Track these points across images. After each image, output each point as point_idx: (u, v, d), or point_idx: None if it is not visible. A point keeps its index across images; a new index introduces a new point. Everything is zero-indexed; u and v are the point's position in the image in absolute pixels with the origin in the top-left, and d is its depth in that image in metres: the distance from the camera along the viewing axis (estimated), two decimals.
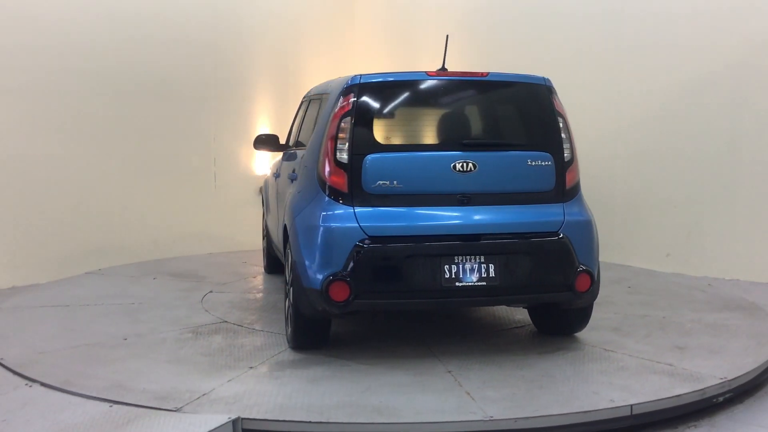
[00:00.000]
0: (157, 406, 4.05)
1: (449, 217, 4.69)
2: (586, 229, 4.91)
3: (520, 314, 5.92)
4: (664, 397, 4.25)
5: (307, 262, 4.67)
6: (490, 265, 4.63)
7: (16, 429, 3.77)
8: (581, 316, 5.29)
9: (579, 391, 4.32)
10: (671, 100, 8.19)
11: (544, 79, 5.05)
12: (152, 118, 8.47)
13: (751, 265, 7.67)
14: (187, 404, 4.08)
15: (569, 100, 8.98)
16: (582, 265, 4.79)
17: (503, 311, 6.10)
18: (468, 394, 4.26)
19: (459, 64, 9.84)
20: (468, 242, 4.64)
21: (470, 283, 4.60)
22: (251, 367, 4.75)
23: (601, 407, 4.10)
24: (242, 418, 3.83)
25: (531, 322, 5.67)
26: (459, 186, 4.71)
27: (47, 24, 7.62)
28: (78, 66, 7.79)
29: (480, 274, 4.61)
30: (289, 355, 5.03)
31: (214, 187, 8.66)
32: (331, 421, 3.86)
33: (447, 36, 5.26)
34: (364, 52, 10.70)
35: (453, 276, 4.58)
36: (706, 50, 7.87)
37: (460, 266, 4.60)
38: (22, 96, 7.40)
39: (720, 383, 4.47)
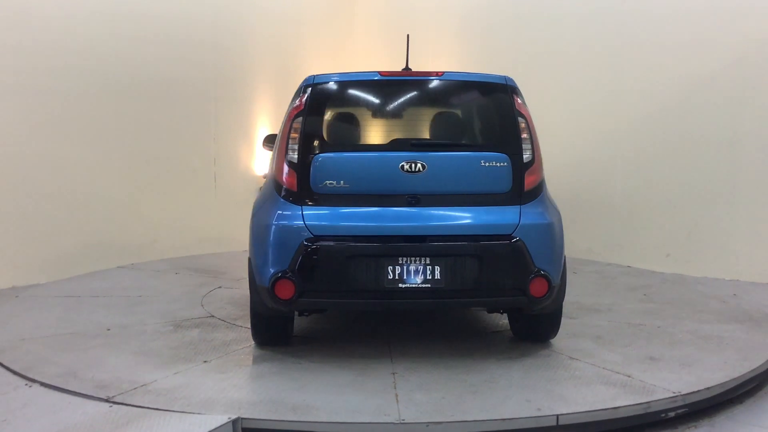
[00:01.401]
0: (93, 395, 4.23)
1: (395, 217, 4.64)
2: (544, 232, 4.74)
3: (504, 319, 5.80)
4: (597, 408, 4.08)
5: (258, 260, 4.74)
6: (436, 267, 4.55)
7: (16, 429, 3.79)
8: (550, 322, 5.13)
9: (512, 398, 4.19)
10: (671, 100, 8.21)
11: (504, 78, 4.92)
12: (152, 118, 8.50)
13: (751, 265, 7.67)
14: (120, 394, 4.22)
15: (569, 100, 9.13)
16: (538, 269, 4.64)
17: (490, 316, 5.99)
18: (397, 396, 4.22)
19: (459, 64, 9.94)
20: (413, 243, 4.58)
21: (414, 285, 4.54)
22: (205, 362, 4.86)
23: (523, 415, 3.98)
24: (242, 418, 3.86)
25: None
26: (407, 187, 4.65)
27: (47, 24, 7.57)
28: (78, 66, 7.78)
29: (425, 276, 4.55)
30: (249, 351, 5.12)
31: (214, 187, 8.76)
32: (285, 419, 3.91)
33: (408, 36, 5.21)
34: (365, 51, 10.74)
35: (396, 277, 4.54)
36: (706, 50, 7.90)
37: (405, 267, 4.55)
38: (22, 96, 7.37)
39: (671, 398, 4.25)
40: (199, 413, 3.89)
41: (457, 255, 4.59)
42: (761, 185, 7.64)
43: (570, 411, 4.04)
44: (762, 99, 7.59)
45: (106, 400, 4.16)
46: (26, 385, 4.39)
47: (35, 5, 7.47)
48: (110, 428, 3.71)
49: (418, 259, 4.56)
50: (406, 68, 5.13)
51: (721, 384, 4.48)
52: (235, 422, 3.81)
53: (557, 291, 4.83)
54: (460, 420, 3.91)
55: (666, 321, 5.89)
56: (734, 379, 4.57)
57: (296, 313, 5.38)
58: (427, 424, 3.88)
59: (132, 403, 4.10)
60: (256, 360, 4.92)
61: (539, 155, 4.86)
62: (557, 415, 3.99)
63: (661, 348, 5.15)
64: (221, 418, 3.80)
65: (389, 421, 3.87)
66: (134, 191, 8.44)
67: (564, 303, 6.32)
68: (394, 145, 4.81)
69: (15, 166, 7.38)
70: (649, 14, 8.33)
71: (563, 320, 5.81)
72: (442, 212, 4.67)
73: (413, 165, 4.63)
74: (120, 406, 4.01)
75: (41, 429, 3.74)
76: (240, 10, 9.53)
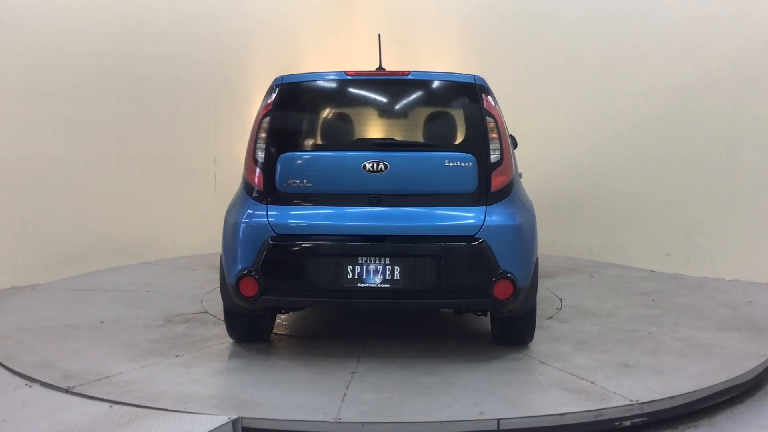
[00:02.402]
0: (55, 384, 4.39)
1: (356, 217, 4.65)
2: (511, 233, 4.66)
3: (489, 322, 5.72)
4: (542, 414, 3.99)
5: (226, 258, 4.82)
6: (396, 267, 4.53)
7: (16, 429, 3.79)
8: (523, 325, 5.05)
9: (460, 400, 4.14)
10: (671, 101, 8.21)
11: (473, 77, 4.86)
12: (152, 118, 8.53)
13: (751, 265, 7.65)
14: (81, 384, 4.36)
15: (569, 101, 9.06)
16: (503, 271, 4.56)
17: (477, 318, 5.91)
18: (345, 395, 4.23)
19: (459, 64, 9.86)
20: (372, 243, 4.58)
21: (373, 285, 4.54)
22: (177, 356, 4.97)
23: (464, 418, 3.93)
24: (242, 417, 3.88)
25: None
26: (369, 186, 4.65)
27: (47, 24, 7.56)
28: (78, 66, 7.79)
29: (384, 276, 4.53)
30: (224, 347, 5.20)
31: (214, 187, 8.83)
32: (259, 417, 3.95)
33: (379, 35, 5.20)
34: (365, 51, 10.58)
35: (355, 276, 4.54)
36: (705, 51, 7.91)
37: (364, 267, 4.55)
38: (23, 96, 7.37)
39: (627, 406, 4.12)
40: (199, 413, 3.90)
41: (416, 255, 4.56)
42: (761, 185, 7.62)
43: (512, 416, 3.96)
44: (762, 99, 7.55)
45: (66, 390, 4.31)
46: (26, 385, 4.42)
47: (35, 5, 7.46)
48: (110, 428, 3.73)
49: (377, 259, 4.55)
50: (380, 68, 5.11)
51: (688, 393, 4.31)
52: (235, 422, 3.82)
53: (526, 294, 4.73)
54: (396, 421, 3.89)
55: (662, 327, 5.70)
56: (704, 389, 4.39)
57: (281, 311, 5.49)
58: (363, 424, 3.87)
59: (89, 394, 4.24)
60: (227, 356, 5.01)
61: (509, 155, 4.78)
62: (498, 419, 3.92)
63: (641, 355, 4.99)
64: (221, 418, 3.81)
65: (325, 420, 3.88)
66: (135, 191, 8.46)
67: (564, 307, 6.28)
68: (357, 145, 4.83)
69: (15, 166, 7.39)
70: (650, 15, 8.33)
71: (552, 324, 5.79)
72: (403, 212, 4.65)
73: (375, 165, 4.63)
74: (120, 406, 4.02)
75: (41, 429, 3.76)
76: (240, 10, 9.55)
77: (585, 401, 4.14)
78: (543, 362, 4.83)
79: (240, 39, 9.62)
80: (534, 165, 8.70)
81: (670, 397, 4.25)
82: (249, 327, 5.14)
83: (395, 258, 4.54)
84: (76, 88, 7.74)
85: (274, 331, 5.56)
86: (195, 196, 8.82)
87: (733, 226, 7.82)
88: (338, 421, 3.87)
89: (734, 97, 7.71)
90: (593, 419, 4.04)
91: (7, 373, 4.61)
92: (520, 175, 6.71)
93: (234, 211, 4.87)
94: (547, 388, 4.37)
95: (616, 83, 8.63)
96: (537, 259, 4.94)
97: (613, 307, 6.36)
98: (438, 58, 9.90)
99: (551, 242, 9.16)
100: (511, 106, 9.19)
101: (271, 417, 3.93)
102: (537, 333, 5.49)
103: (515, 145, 6.67)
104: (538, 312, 6.06)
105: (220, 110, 9.14)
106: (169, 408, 3.98)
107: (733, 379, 4.57)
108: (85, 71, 7.82)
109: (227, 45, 9.38)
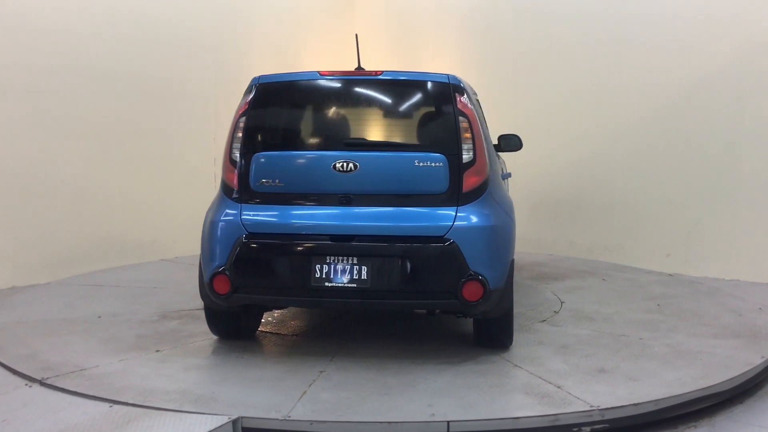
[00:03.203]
0: (30, 375, 4.53)
1: (325, 216, 4.67)
2: (482, 235, 4.61)
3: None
4: (495, 417, 3.95)
5: (203, 256, 4.90)
6: (363, 267, 4.54)
7: (16, 429, 3.79)
8: (499, 328, 4.98)
9: (416, 402, 4.12)
10: (671, 101, 8.23)
11: (446, 77, 4.81)
12: (152, 118, 8.54)
13: (751, 265, 7.69)
14: (55, 376, 4.50)
15: (569, 100, 9.03)
16: (473, 272, 4.52)
17: (467, 321, 5.86)
18: (304, 393, 4.25)
19: (459, 63, 9.78)
20: (340, 243, 4.59)
21: (340, 284, 4.55)
22: (158, 351, 5.08)
23: (415, 420, 3.91)
24: (242, 417, 3.87)
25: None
26: (339, 186, 4.66)
27: (47, 24, 7.55)
28: (78, 66, 7.80)
29: (351, 275, 4.54)
30: (207, 343, 5.27)
31: (214, 188, 8.80)
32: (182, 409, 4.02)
33: (356, 35, 5.20)
34: (365, 51, 10.52)
35: (323, 276, 4.56)
36: (705, 50, 7.93)
37: (332, 267, 4.57)
38: (22, 96, 7.39)
39: (586, 411, 4.04)
40: (199, 413, 3.91)
41: (384, 256, 4.55)
42: (761, 185, 7.64)
43: (464, 418, 3.93)
44: (762, 99, 7.56)
45: (39, 381, 4.44)
46: (26, 385, 4.44)
47: (35, 5, 7.49)
48: (110, 428, 3.74)
49: (345, 258, 4.56)
50: (359, 68, 5.11)
51: (654, 401, 4.20)
52: (235, 422, 3.83)
53: (500, 295, 4.67)
54: (344, 420, 3.89)
55: (655, 333, 5.56)
56: (674, 397, 4.27)
57: (267, 309, 5.55)
58: (311, 422, 3.89)
59: (60, 386, 4.36)
60: (205, 352, 5.08)
61: (483, 155, 4.73)
62: (448, 422, 3.89)
63: (621, 360, 4.88)
64: (221, 418, 3.82)
65: (274, 417, 3.91)
66: (134, 191, 8.47)
67: (563, 310, 6.18)
68: (327, 145, 4.84)
69: (15, 166, 7.41)
70: (650, 15, 8.33)
71: (543, 327, 5.72)
72: (371, 212, 4.65)
73: (345, 165, 4.64)
74: (120, 405, 4.03)
75: (41, 429, 3.76)
76: (240, 10, 9.53)
77: (545, 406, 4.08)
78: (517, 365, 4.77)
79: (240, 39, 9.60)
80: (534, 165, 8.68)
81: (635, 404, 4.14)
82: (229, 324, 5.20)
83: (362, 258, 4.55)
84: (76, 88, 7.77)
85: (263, 329, 5.62)
86: (195, 196, 8.65)
87: (733, 226, 7.84)
88: (287, 418, 3.89)
89: (734, 97, 7.72)
90: (549, 424, 3.97)
91: (7, 373, 4.65)
92: (509, 175, 6.65)
93: (211, 210, 4.95)
94: (511, 391, 4.32)
95: (616, 83, 8.62)
96: (513, 260, 4.88)
97: (614, 312, 6.23)
98: (438, 58, 9.89)
99: (551, 242, 9.19)
100: (511, 105, 9.27)
101: (215, 412, 3.96)
102: (523, 336, 5.45)
103: (519, 146, 6.62)
104: (532, 315, 6.07)
105: (220, 110, 9.08)
106: (170, 408, 3.98)
107: (708, 387, 4.43)
108: (85, 71, 7.85)
109: (227, 45, 9.38)
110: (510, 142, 6.68)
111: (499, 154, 7.01)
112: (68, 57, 7.72)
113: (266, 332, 5.59)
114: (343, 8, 10.97)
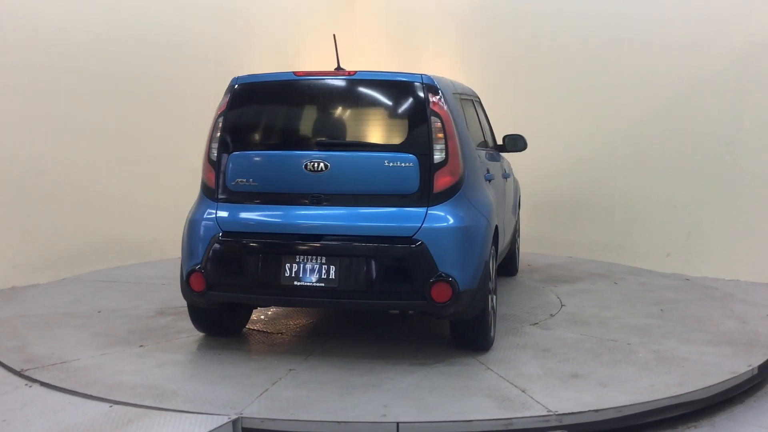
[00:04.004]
0: (11, 366, 4.69)
1: (296, 216, 4.71)
2: (452, 235, 4.58)
3: None
4: (445, 420, 3.92)
5: (182, 254, 4.99)
6: (331, 266, 4.56)
7: (16, 429, 3.80)
8: (474, 330, 4.94)
9: (372, 402, 4.12)
10: (671, 101, 8.22)
11: (420, 77, 4.77)
12: (153, 118, 8.47)
13: (751, 265, 7.68)
14: (35, 368, 4.65)
15: (569, 100, 9.00)
16: (442, 273, 4.49)
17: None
18: (266, 391, 4.29)
19: (459, 63, 9.70)
20: (309, 242, 4.62)
21: (309, 284, 4.58)
22: (141, 346, 5.19)
23: (366, 420, 3.92)
24: (242, 417, 3.89)
25: None
26: (310, 186, 4.69)
27: (47, 24, 7.50)
28: (78, 66, 7.75)
29: (320, 275, 4.57)
30: (191, 339, 5.35)
31: None
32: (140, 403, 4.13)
33: (334, 35, 5.21)
34: (365, 51, 10.66)
35: (293, 275, 4.60)
36: (705, 51, 7.92)
37: (301, 266, 4.60)
38: (22, 96, 7.33)
39: (543, 416, 3.98)
40: (199, 413, 3.93)
41: (352, 256, 4.57)
42: (761, 185, 7.63)
43: (415, 420, 3.91)
44: (762, 99, 7.54)
45: (18, 372, 4.59)
46: (26, 385, 4.45)
47: (35, 5, 7.45)
48: (110, 428, 3.75)
49: (314, 258, 4.59)
50: (338, 68, 5.13)
51: (617, 408, 4.11)
52: (235, 422, 3.85)
53: (471, 297, 4.62)
54: (294, 419, 3.92)
55: (646, 338, 5.43)
56: (639, 404, 4.17)
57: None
58: (262, 420, 3.92)
59: (36, 378, 4.50)
60: (187, 348, 5.17)
61: (456, 155, 4.69)
62: (398, 423, 3.88)
63: (599, 366, 4.78)
64: (221, 418, 3.84)
65: (226, 414, 3.95)
66: (135, 191, 8.42)
67: (560, 313, 6.10)
68: (299, 145, 4.87)
69: (15, 166, 7.36)
70: (650, 14, 8.32)
71: (532, 330, 5.65)
72: (341, 212, 4.66)
73: (316, 165, 4.67)
74: (120, 405, 4.04)
75: (41, 429, 3.77)
76: (240, 10, 9.49)
77: (502, 409, 4.03)
78: (489, 368, 4.72)
79: (240, 39, 9.54)
80: (534, 164, 8.59)
81: (595, 411, 4.06)
82: (212, 321, 5.27)
83: (331, 258, 4.57)
84: (76, 89, 7.77)
85: (251, 326, 5.68)
86: (195, 195, 8.70)
87: (733, 226, 7.82)
88: (240, 415, 3.93)
89: (734, 97, 7.71)
90: (503, 428, 3.92)
91: (7, 373, 4.67)
92: (508, 176, 6.56)
93: (192, 209, 5.04)
94: (473, 394, 4.27)
95: (616, 83, 8.61)
96: (487, 261, 4.82)
97: (612, 316, 6.10)
98: (438, 58, 9.83)
99: (551, 242, 9.13)
100: (511, 105, 9.20)
101: (168, 407, 4.03)
102: (508, 338, 5.40)
103: (524, 146, 6.54)
104: (526, 318, 6.00)
105: None
106: (169, 408, 4.02)
107: (679, 395, 4.31)
108: (85, 71, 7.84)
109: (227, 45, 9.33)
110: (514, 143, 6.64)
111: (503, 154, 6.99)
112: (68, 57, 7.70)
113: (253, 330, 5.65)
114: (343, 8, 10.92)
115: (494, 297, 5.30)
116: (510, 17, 9.54)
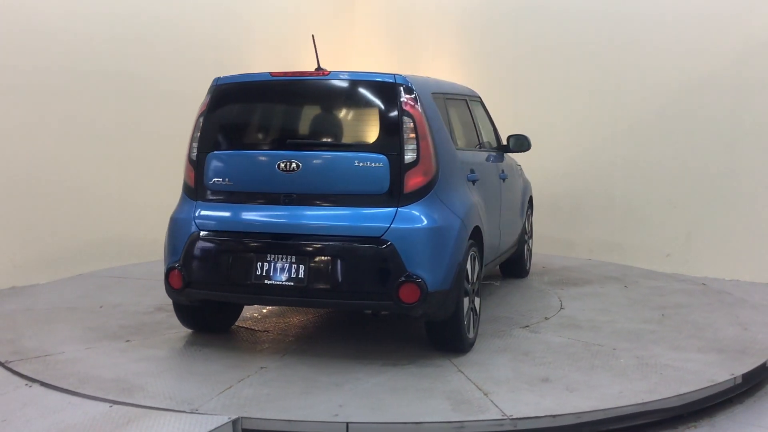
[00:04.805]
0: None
1: (268, 215, 4.76)
2: (421, 236, 4.56)
3: None
4: (397, 421, 3.92)
5: (165, 251, 5.09)
6: (301, 266, 4.59)
7: (16, 429, 3.80)
8: (447, 332, 4.90)
9: (329, 402, 4.13)
10: (671, 101, 8.23)
11: (393, 76, 4.76)
12: (153, 118, 8.41)
13: (751, 265, 7.71)
14: (18, 360, 4.81)
15: (569, 100, 9.02)
16: (410, 274, 4.48)
17: None
18: (230, 388, 4.35)
19: (459, 63, 9.66)
20: (280, 241, 4.66)
21: (278, 282, 4.63)
22: (127, 341, 5.31)
23: (317, 419, 3.94)
24: (242, 418, 3.90)
25: None
26: (283, 185, 4.73)
27: (47, 24, 7.47)
28: (78, 66, 7.72)
29: (289, 273, 4.61)
30: (178, 335, 5.46)
31: None
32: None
33: (312, 36, 5.23)
34: (365, 51, 10.65)
35: (264, 273, 4.65)
36: (705, 51, 7.93)
37: (272, 265, 4.65)
38: (22, 96, 7.29)
39: (497, 420, 3.95)
40: (198, 413, 3.95)
41: (321, 255, 4.59)
42: (761, 185, 7.65)
43: (366, 420, 3.91)
44: (762, 99, 7.55)
45: (2, 364, 4.75)
46: (26, 385, 4.46)
47: (35, 5, 7.42)
48: (110, 428, 3.76)
49: (284, 257, 4.63)
50: (318, 68, 5.15)
51: (576, 414, 4.04)
52: (235, 422, 3.86)
53: (441, 298, 4.60)
54: (247, 416, 3.95)
55: (634, 344, 5.30)
56: (600, 411, 4.09)
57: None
58: (160, 410, 3.98)
59: (16, 369, 4.65)
60: (170, 344, 5.27)
61: (428, 156, 4.67)
62: (347, 423, 3.89)
63: (573, 371, 4.70)
64: (221, 418, 3.85)
65: (182, 410, 4.00)
66: (135, 191, 8.37)
67: (556, 317, 6.03)
68: (273, 145, 4.91)
69: (15, 166, 7.32)
70: (650, 14, 8.33)
71: (520, 333, 5.62)
72: (311, 212, 4.69)
73: (288, 164, 4.71)
74: (120, 405, 4.06)
75: (41, 429, 3.78)
76: (240, 10, 9.47)
77: (458, 412, 4.01)
78: (460, 370, 4.68)
79: (240, 39, 9.52)
80: (534, 164, 8.50)
81: (553, 416, 4.00)
82: (196, 317, 5.35)
83: (300, 257, 4.60)
84: (77, 88, 7.74)
85: (242, 324, 5.75)
86: None
87: (733, 226, 7.84)
88: (194, 411, 3.99)
89: (734, 97, 7.71)
90: (454, 431, 3.89)
91: (7, 373, 4.68)
92: (506, 176, 6.46)
93: (175, 208, 5.13)
94: (434, 396, 4.24)
95: (616, 84, 8.63)
96: (461, 263, 4.77)
97: (609, 320, 5.98)
98: (438, 58, 9.80)
99: (550, 241, 9.04)
100: (511, 106, 9.17)
101: (129, 401, 4.11)
102: (492, 341, 5.36)
103: (527, 147, 6.47)
104: (519, 320, 5.95)
105: None
106: (169, 408, 4.06)
107: (647, 403, 4.21)
108: (85, 71, 7.82)
109: (227, 45, 9.29)
110: (518, 143, 6.58)
111: (512, 155, 6.92)
112: (68, 57, 7.68)
113: (242, 327, 5.71)
114: (343, 8, 10.87)
115: (476, 299, 5.24)
116: (510, 17, 9.55)
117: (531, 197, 7.83)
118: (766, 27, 7.53)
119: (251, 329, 5.69)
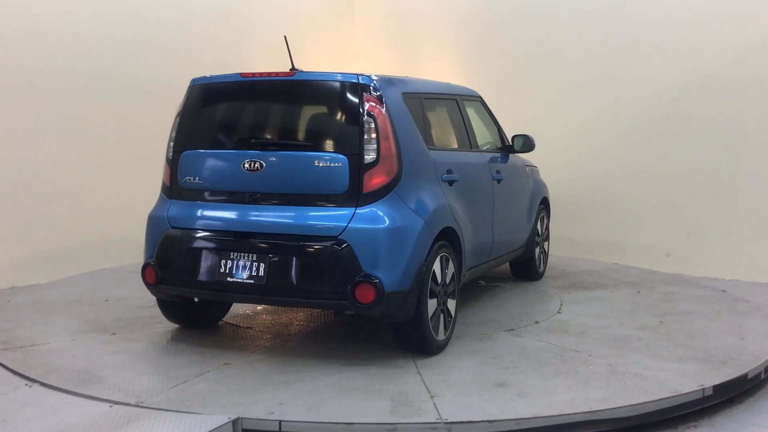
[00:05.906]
0: None
1: (232, 214, 4.85)
2: (378, 236, 4.55)
3: None
4: (329, 421, 3.94)
5: (144, 248, 5.24)
6: (261, 264, 4.66)
7: (16, 429, 3.81)
8: (410, 333, 4.88)
9: (271, 400, 4.17)
10: (671, 101, 8.26)
11: (357, 77, 4.76)
12: (153, 119, 8.12)
13: (751, 265, 7.74)
14: (3, 350, 5.05)
15: (569, 100, 9.06)
16: (366, 274, 4.49)
17: None
18: (185, 382, 4.45)
19: (459, 64, 9.64)
20: (241, 240, 4.74)
21: (240, 280, 4.71)
22: (113, 334, 5.50)
23: (251, 416, 3.99)
24: (242, 418, 3.93)
25: None
26: (248, 185, 4.81)
27: (47, 24, 7.46)
28: (77, 66, 7.72)
29: (250, 272, 4.68)
30: (163, 329, 5.61)
31: None
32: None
33: (285, 37, 5.26)
34: (365, 51, 10.56)
35: (227, 271, 4.74)
36: (705, 51, 7.96)
37: (234, 262, 4.73)
38: (22, 96, 7.29)
39: (431, 423, 3.93)
40: (198, 413, 3.97)
41: (279, 254, 4.65)
42: (761, 185, 7.69)
43: (299, 419, 3.95)
44: (762, 99, 7.58)
45: (107, 401, 4.66)
46: (26, 385, 4.48)
47: (35, 5, 7.41)
48: (110, 428, 3.78)
49: (245, 255, 4.71)
50: (292, 68, 5.19)
51: (516, 420, 3.98)
52: (235, 422, 3.89)
53: (400, 299, 4.58)
54: (187, 411, 4.03)
55: (614, 351, 5.15)
56: (539, 418, 4.01)
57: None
58: (159, 410, 4.07)
59: (5, 364, 4.87)
60: (152, 338, 5.43)
61: (390, 156, 4.66)
62: (280, 421, 3.93)
63: (534, 376, 4.61)
64: (221, 418, 3.87)
65: (129, 402, 4.13)
66: (134, 190, 8.16)
67: (548, 321, 5.95)
68: (239, 144, 4.98)
69: (15, 166, 7.30)
70: (650, 14, 8.34)
71: (501, 336, 5.61)
72: (272, 211, 4.76)
73: (252, 164, 4.78)
74: (120, 406, 4.09)
75: (41, 429, 3.79)
76: (240, 10, 9.45)
77: (394, 414, 4.00)
78: (419, 372, 4.66)
79: (240, 39, 9.52)
80: (534, 164, 8.32)
81: (490, 422, 3.95)
82: (178, 312, 5.49)
83: (261, 255, 4.67)
84: (76, 89, 7.75)
85: (230, 320, 5.86)
86: None
87: (733, 226, 7.87)
88: (139, 404, 4.10)
89: (734, 98, 7.74)
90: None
91: (7, 373, 4.71)
92: (502, 177, 6.34)
93: (154, 206, 5.27)
94: (379, 397, 4.24)
95: (616, 83, 8.64)
96: (423, 263, 4.74)
97: (602, 326, 5.83)
98: (438, 58, 9.74)
99: (569, 244, 8.99)
100: (511, 106, 9.13)
101: (93, 395, 4.25)
102: (467, 343, 5.32)
103: (530, 147, 6.38)
104: (507, 323, 5.92)
105: None
106: (169, 408, 4.11)
107: (596, 411, 4.11)
108: (85, 72, 7.82)
109: (227, 45, 9.29)
110: (522, 143, 6.50)
111: (521, 156, 6.83)
112: (67, 57, 7.68)
113: (228, 323, 5.83)
114: (343, 8, 10.81)
115: (450, 301, 5.19)
116: (510, 17, 9.51)
117: (546, 198, 7.68)
118: (766, 27, 7.55)
119: (236, 326, 5.79)
